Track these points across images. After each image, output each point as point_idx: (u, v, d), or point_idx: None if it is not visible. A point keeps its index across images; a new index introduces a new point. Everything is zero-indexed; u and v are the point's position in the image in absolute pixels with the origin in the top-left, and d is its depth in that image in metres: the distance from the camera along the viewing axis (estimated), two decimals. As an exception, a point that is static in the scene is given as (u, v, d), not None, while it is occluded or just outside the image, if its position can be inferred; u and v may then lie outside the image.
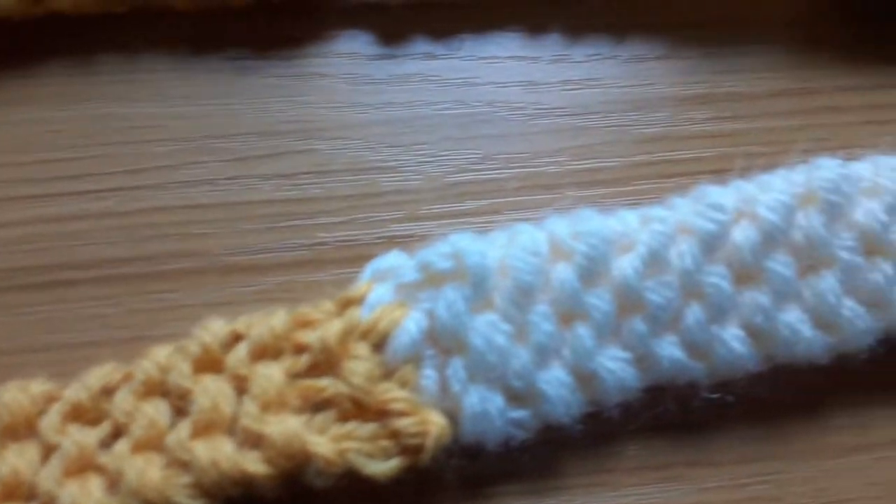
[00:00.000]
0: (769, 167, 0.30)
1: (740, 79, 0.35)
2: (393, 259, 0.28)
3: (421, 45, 0.35)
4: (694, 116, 0.34)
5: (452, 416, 0.26)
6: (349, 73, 0.34)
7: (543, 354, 0.27)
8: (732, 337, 0.27)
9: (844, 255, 0.28)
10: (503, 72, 0.35)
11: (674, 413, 0.28)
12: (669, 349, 0.27)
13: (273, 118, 0.33)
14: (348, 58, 0.35)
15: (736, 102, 0.35)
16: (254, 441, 0.25)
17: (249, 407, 0.25)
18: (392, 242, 0.31)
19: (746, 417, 0.30)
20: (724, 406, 0.29)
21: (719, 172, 0.33)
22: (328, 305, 0.28)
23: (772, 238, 0.27)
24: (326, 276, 0.31)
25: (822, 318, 0.28)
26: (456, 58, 0.35)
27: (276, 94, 0.34)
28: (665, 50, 0.36)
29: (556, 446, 0.28)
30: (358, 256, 0.30)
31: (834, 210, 0.28)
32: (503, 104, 0.34)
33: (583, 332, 0.27)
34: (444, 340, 0.27)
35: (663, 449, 0.29)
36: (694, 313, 0.27)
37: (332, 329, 0.26)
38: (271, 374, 0.26)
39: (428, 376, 0.26)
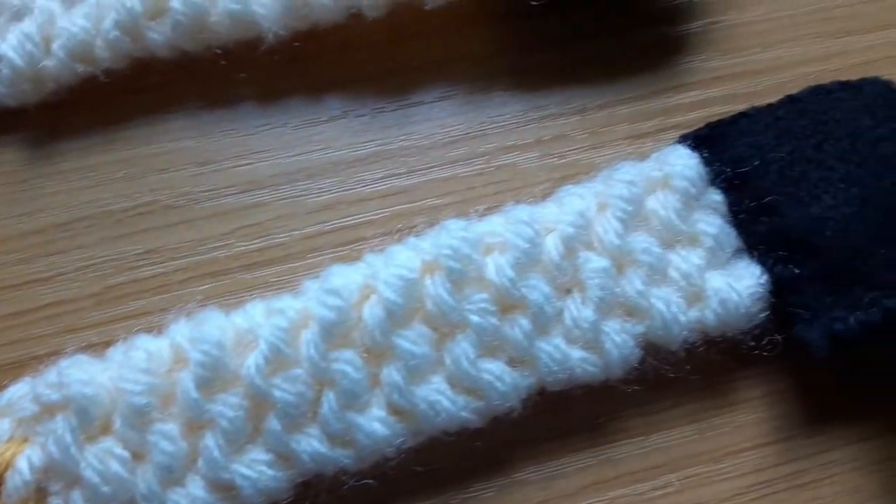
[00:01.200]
0: (448, 219, 0.30)
1: (413, 131, 0.34)
2: (16, 390, 0.27)
3: (74, 142, 0.33)
4: (366, 177, 0.34)
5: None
6: (-3, 184, 0.33)
7: (171, 473, 0.26)
8: (373, 419, 0.27)
9: (475, 318, 0.27)
10: (168, 157, 0.34)
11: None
12: (309, 443, 0.26)
13: (-88, 245, 0.32)
14: (-5, 167, 0.33)
15: (410, 157, 0.34)
16: None
17: None
18: (50, 359, 0.30)
19: (425, 488, 0.29)
20: (394, 481, 0.28)
21: (394, 233, 0.32)
22: (-49, 451, 0.26)
23: (395, 314, 0.27)
24: (-21, 409, 0.29)
25: (463, 384, 0.27)
26: (114, 149, 0.33)
27: (-84, 218, 0.32)
28: (337, 110, 0.35)
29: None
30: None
31: (458, 275, 0.27)
32: (167, 191, 0.33)
33: (211, 441, 0.26)
34: (60, 475, 0.25)
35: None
36: (328, 402, 0.26)
37: (-62, 481, 0.25)
38: None
39: (52, 515, 0.25)
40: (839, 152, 0.30)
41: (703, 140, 0.31)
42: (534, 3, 0.31)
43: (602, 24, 0.36)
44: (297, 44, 0.33)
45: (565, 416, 0.30)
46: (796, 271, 0.29)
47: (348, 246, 0.32)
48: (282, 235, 0.33)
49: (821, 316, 0.28)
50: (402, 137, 0.34)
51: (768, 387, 0.31)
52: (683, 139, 0.32)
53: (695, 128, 0.32)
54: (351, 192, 0.33)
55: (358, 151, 0.34)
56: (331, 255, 0.32)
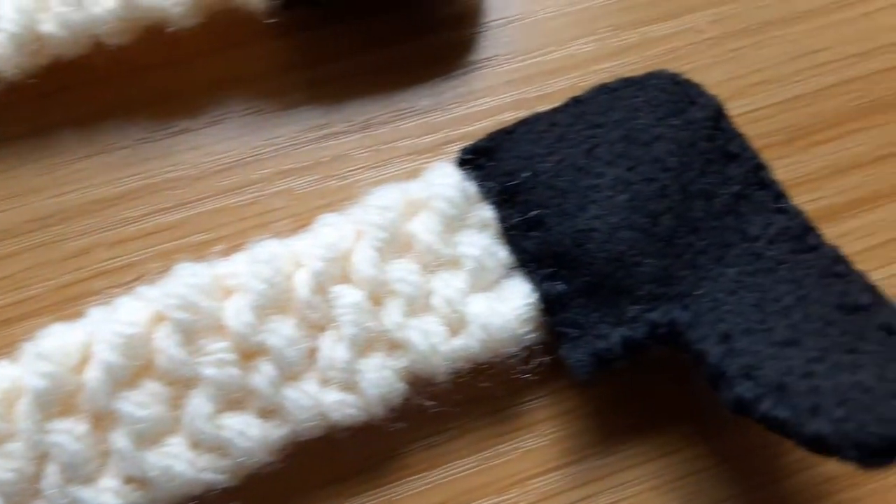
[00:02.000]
0: (220, 255, 0.28)
1: (180, 161, 0.32)
2: None
3: None
4: (128, 216, 0.31)
5: None
6: None
7: None
8: (103, 491, 0.24)
9: (211, 370, 0.25)
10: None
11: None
12: (30, 525, 0.24)
13: None
14: None
15: (176, 189, 0.32)
16: None
17: None
18: None
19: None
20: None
21: (161, 273, 0.30)
22: None
23: (118, 375, 0.24)
24: None
25: (204, 443, 0.25)
26: None
27: None
28: (95, 145, 0.32)
29: None
30: None
31: (189, 324, 0.25)
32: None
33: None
34: None
35: None
36: (49, 477, 0.24)
37: None
38: None
39: None
40: (611, 157, 0.28)
41: (482, 152, 0.30)
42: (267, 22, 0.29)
43: (383, 34, 0.34)
44: (33, 80, 0.30)
45: (338, 459, 0.28)
46: (561, 287, 0.27)
47: (106, 291, 0.30)
48: (35, 287, 0.30)
49: (586, 334, 0.27)
50: (168, 169, 0.32)
51: (557, 407, 0.29)
52: (462, 153, 0.30)
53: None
54: (111, 232, 0.31)
55: (119, 188, 0.32)
56: (88, 304, 0.30)
